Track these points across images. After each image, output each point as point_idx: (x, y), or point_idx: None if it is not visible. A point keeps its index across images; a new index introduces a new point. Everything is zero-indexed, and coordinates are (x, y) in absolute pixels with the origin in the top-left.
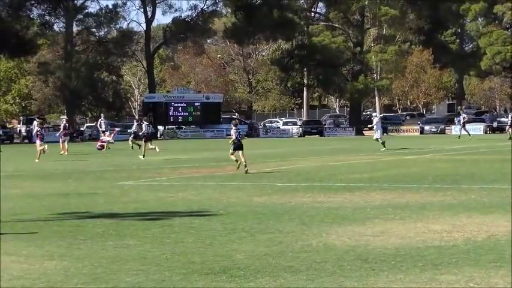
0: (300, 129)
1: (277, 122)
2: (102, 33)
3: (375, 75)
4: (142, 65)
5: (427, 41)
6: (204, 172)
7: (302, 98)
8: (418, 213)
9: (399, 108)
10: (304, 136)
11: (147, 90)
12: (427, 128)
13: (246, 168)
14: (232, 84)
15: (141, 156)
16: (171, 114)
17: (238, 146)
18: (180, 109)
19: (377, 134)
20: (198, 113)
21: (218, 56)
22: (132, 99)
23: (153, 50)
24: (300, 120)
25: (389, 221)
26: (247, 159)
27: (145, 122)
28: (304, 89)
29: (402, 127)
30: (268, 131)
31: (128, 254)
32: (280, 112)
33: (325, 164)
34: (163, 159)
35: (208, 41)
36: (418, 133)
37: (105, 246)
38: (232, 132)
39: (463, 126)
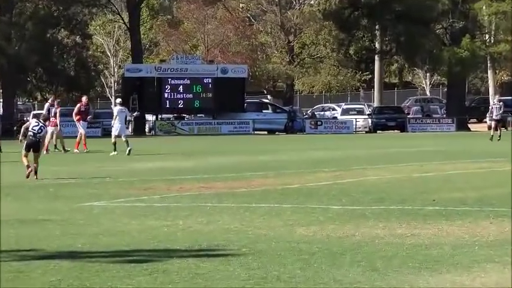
0: (369, 120)
1: (333, 109)
2: None
3: (488, 37)
4: (123, 19)
5: None
6: (218, 187)
7: (372, 73)
8: None
9: None
10: (375, 132)
11: (130, 59)
12: None
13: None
14: (263, 50)
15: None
16: (166, 96)
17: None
18: (181, 89)
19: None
20: (210, 94)
21: (241, 5)
22: (106, 72)
23: None
24: (369, 106)
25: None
26: (282, 168)
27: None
28: (376, 58)
29: None
30: (319, 123)
31: None
32: (337, 94)
33: (408, 176)
34: (154, 167)
35: None
36: None
37: None
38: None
39: None
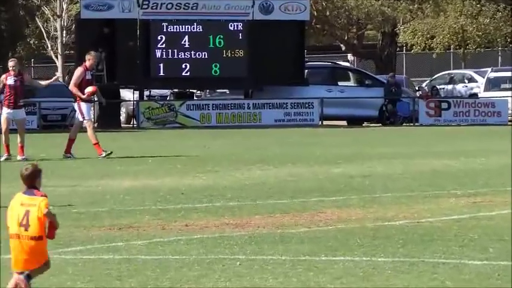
0: None
1: (470, 79)
2: None
3: None
4: None
5: None
6: (255, 224)
7: None
8: None
9: None
10: None
11: None
12: None
13: None
14: None
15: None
16: (159, 56)
17: None
18: (186, 42)
19: None
20: (240, 53)
21: None
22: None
23: None
24: None
25: None
26: (375, 187)
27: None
28: None
29: None
30: (444, 105)
31: None
32: (478, 52)
33: None
34: (138, 187)
35: None
36: None
37: None
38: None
39: None
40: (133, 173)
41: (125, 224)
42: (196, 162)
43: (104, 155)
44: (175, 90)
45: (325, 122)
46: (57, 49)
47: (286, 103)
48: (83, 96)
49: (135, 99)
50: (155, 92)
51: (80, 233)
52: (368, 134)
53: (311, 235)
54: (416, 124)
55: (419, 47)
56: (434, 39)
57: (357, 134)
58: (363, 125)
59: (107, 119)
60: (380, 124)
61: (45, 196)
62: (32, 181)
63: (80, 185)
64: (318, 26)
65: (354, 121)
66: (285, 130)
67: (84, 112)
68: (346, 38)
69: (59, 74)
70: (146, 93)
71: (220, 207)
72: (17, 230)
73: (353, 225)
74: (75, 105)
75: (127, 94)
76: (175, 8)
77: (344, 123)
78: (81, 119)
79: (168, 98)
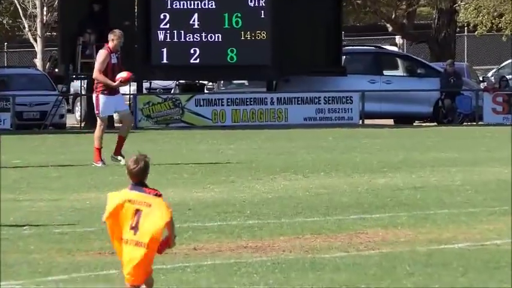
0: None
1: None
2: None
3: None
4: None
5: None
6: (278, 248)
7: None
8: None
9: None
10: None
11: None
12: None
13: None
14: None
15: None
16: (161, 39)
17: None
18: (195, 21)
19: None
20: (263, 34)
21: None
22: None
23: None
24: None
25: None
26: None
27: None
28: None
29: None
30: None
31: None
32: None
33: None
34: None
35: None
36: None
37: None
38: None
39: None
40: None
41: None
42: (207, 171)
43: (100, 165)
44: (181, 81)
45: (366, 121)
46: (36, 30)
47: (319, 97)
48: (114, 84)
49: (131, 92)
50: (157, 83)
51: (63, 258)
52: (420, 135)
53: (349, 261)
54: (480, 123)
55: (484, 28)
56: (503, 18)
57: (407, 135)
58: (414, 124)
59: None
60: (435, 123)
61: (160, 196)
62: (143, 176)
63: (63, 199)
64: (358, 1)
65: (403, 119)
66: (316, 131)
67: (101, 106)
68: (393, 16)
69: (37, 60)
70: (146, 85)
71: (237, 226)
72: (125, 234)
73: (401, 248)
74: (93, 96)
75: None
76: None
77: (390, 121)
78: (96, 113)
79: (172, 91)
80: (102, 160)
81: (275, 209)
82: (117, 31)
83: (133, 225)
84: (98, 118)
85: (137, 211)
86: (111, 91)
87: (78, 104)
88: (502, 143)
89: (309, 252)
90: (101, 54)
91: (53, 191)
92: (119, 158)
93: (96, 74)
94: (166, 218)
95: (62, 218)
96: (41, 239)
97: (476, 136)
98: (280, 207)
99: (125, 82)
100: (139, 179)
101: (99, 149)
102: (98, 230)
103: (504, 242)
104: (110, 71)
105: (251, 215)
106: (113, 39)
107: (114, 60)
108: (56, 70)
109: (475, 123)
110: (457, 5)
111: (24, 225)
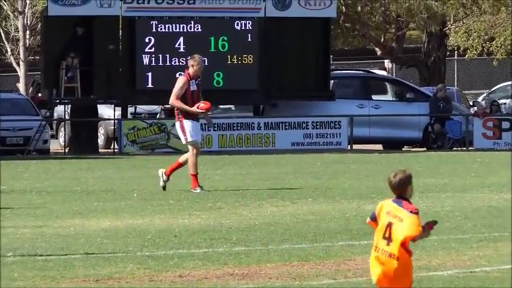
0: None
1: None
2: None
3: None
4: None
5: None
6: (264, 276)
7: None
8: None
9: None
10: None
11: None
12: None
13: None
14: None
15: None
16: (146, 63)
17: None
18: (181, 45)
19: None
20: (249, 58)
21: None
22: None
23: None
24: None
25: None
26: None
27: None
28: None
29: None
30: (508, 124)
31: None
32: None
33: None
34: (120, 228)
35: None
36: None
37: None
38: None
39: None
40: (114, 211)
41: (104, 275)
42: (193, 197)
43: (198, 191)
44: (166, 106)
45: (355, 146)
46: (18, 54)
47: (307, 122)
48: (192, 110)
49: (116, 117)
50: (142, 108)
51: (48, 285)
52: (409, 160)
53: None
54: (470, 148)
55: (474, 51)
56: (494, 42)
57: (396, 161)
58: (403, 149)
59: (81, 142)
60: (424, 148)
61: (416, 213)
62: (402, 190)
63: (47, 225)
64: (347, 24)
65: (392, 145)
66: (304, 156)
67: (189, 131)
68: (382, 40)
69: (20, 84)
70: (130, 109)
71: (223, 253)
72: (378, 242)
73: None
74: (177, 125)
75: (106, 111)
76: (167, 3)
77: (379, 147)
78: (184, 141)
79: (158, 116)
80: (200, 186)
81: (262, 235)
82: (196, 56)
83: (387, 236)
84: (189, 144)
85: (390, 223)
86: (193, 117)
87: (62, 129)
88: (492, 169)
89: (296, 279)
90: (180, 81)
91: (37, 217)
92: (165, 178)
93: (172, 100)
94: (408, 232)
95: (46, 245)
96: (25, 266)
97: (466, 161)
98: (267, 234)
99: (204, 112)
100: (398, 192)
101: (195, 175)
102: (83, 257)
103: (493, 269)
104: (189, 98)
105: (238, 242)
106: (193, 65)
107: (193, 87)
108: (39, 95)
109: (465, 148)
110: (447, 28)
111: (8, 253)
